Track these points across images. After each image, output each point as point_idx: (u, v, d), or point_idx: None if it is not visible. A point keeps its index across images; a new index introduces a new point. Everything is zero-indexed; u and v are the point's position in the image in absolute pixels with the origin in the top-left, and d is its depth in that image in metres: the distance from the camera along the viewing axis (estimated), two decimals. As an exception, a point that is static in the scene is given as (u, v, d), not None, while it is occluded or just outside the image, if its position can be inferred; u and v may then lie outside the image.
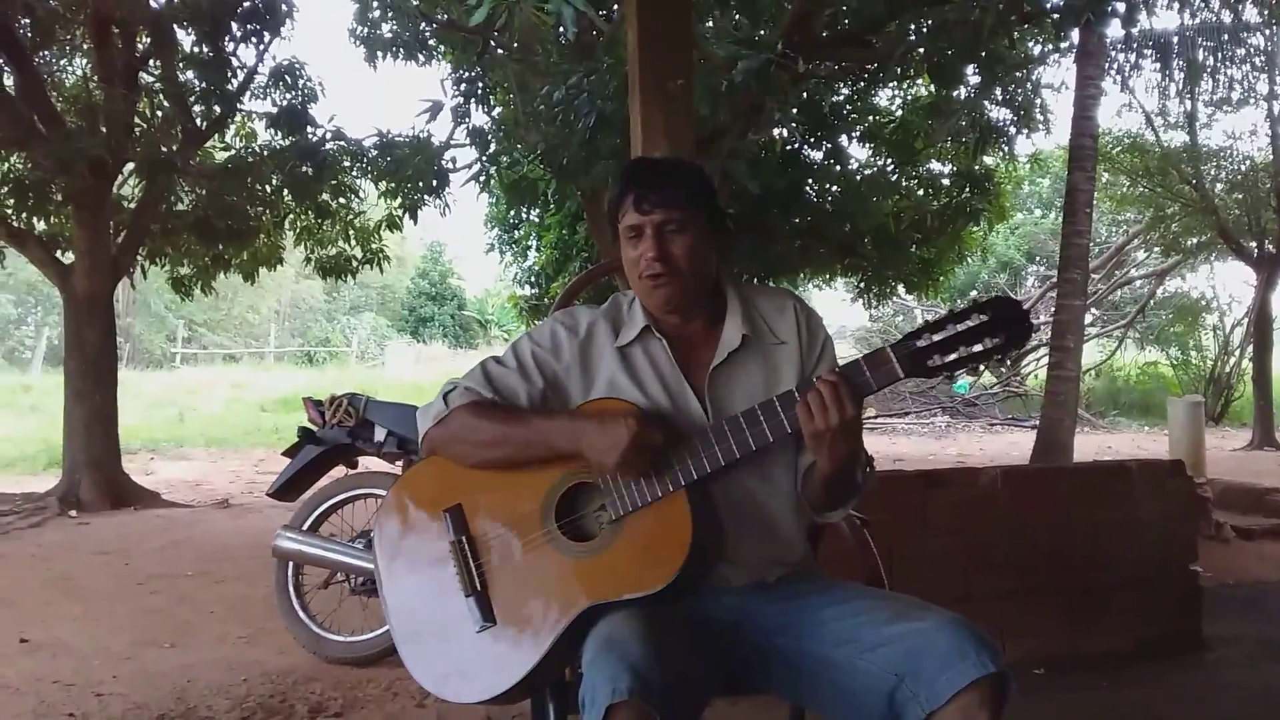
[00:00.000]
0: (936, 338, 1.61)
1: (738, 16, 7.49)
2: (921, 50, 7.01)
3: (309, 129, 9.15)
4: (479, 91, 9.19)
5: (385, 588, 1.85)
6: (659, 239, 1.78)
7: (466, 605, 1.74)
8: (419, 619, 1.80)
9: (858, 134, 10.12)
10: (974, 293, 22.62)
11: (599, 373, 1.84)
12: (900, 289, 11.76)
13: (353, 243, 10.60)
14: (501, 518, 1.77)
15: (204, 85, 9.07)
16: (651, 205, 1.78)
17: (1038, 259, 24.02)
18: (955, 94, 8.79)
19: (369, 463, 4.04)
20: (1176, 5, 10.21)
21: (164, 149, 8.84)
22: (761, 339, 1.85)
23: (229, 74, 9.02)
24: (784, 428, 1.67)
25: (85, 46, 9.46)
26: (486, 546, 1.77)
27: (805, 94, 8.73)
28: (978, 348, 1.59)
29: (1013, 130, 9.49)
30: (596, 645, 1.53)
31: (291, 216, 10.25)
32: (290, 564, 3.86)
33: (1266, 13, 11.35)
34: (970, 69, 7.44)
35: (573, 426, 1.74)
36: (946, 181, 10.51)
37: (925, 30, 6.73)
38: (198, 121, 9.18)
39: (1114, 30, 9.20)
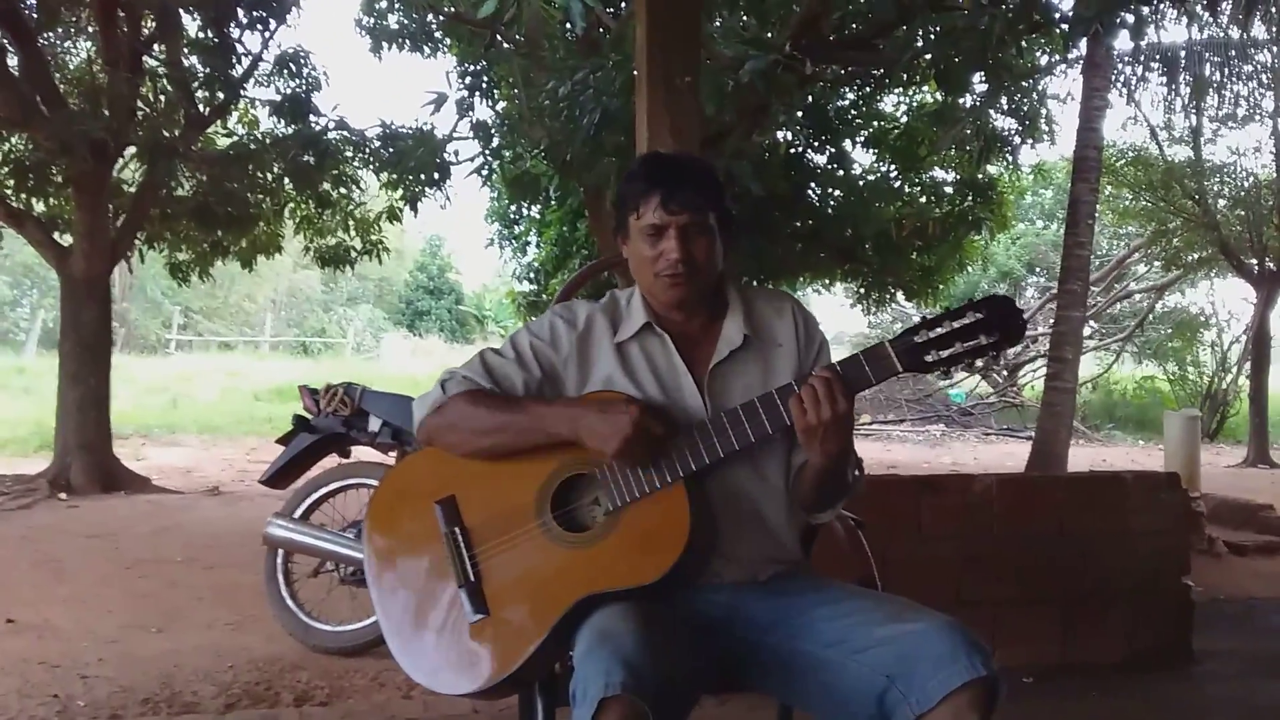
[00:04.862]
0: (934, 334, 1.63)
1: (746, 17, 7.48)
2: (928, 56, 7.01)
3: (312, 118, 9.15)
4: (484, 85, 9.19)
5: (374, 579, 1.83)
6: (683, 239, 1.78)
7: (459, 596, 1.73)
8: (409, 611, 1.78)
9: (862, 139, 10.13)
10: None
11: (595, 367, 1.84)
12: (900, 295, 11.76)
13: (352, 233, 10.57)
14: (496, 509, 1.76)
15: (208, 71, 9.04)
16: (679, 206, 1.77)
17: (1038, 270, 24.07)
18: (961, 102, 8.79)
19: (362, 453, 4.03)
20: (1184, 19, 10.21)
21: (166, 133, 8.80)
22: (762, 340, 1.86)
23: (233, 60, 8.98)
24: (782, 420, 1.68)
25: (90, 29, 9.43)
26: (480, 538, 1.75)
27: (811, 97, 8.73)
28: (974, 344, 1.61)
29: (1017, 140, 9.49)
30: (589, 639, 1.52)
31: (292, 205, 10.21)
32: (280, 552, 3.84)
33: (1275, 29, 11.34)
34: (977, 77, 7.44)
35: (572, 413, 1.74)
36: (949, 189, 10.53)
37: (933, 36, 6.72)
38: (200, 107, 9.14)
39: (1122, 42, 9.23)
